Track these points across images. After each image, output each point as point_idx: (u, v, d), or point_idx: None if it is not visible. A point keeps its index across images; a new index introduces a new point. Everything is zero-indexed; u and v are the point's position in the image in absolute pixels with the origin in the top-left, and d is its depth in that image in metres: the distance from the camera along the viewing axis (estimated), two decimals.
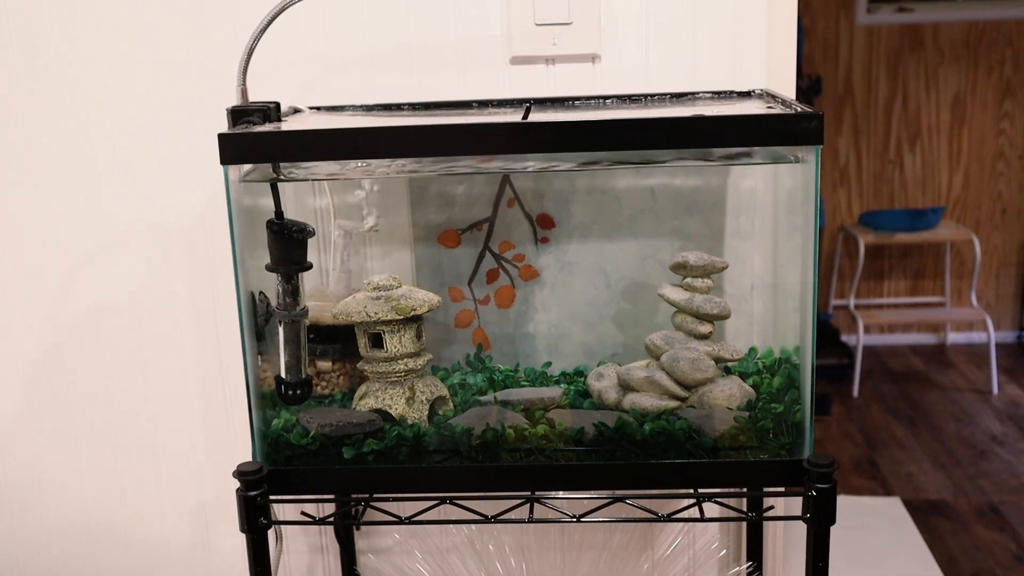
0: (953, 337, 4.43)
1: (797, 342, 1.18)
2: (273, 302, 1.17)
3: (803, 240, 1.11)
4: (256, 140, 1.07)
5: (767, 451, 1.13)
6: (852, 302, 4.18)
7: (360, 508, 1.23)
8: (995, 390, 3.86)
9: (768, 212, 1.27)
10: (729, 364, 1.23)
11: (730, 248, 1.30)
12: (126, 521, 1.54)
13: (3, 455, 1.52)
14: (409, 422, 1.16)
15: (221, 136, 1.06)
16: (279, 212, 1.15)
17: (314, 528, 1.50)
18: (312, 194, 1.29)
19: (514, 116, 1.16)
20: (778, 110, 1.09)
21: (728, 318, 1.20)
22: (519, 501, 1.16)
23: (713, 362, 1.17)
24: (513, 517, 1.15)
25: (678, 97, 1.28)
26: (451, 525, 1.46)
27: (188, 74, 1.35)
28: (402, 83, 1.34)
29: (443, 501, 1.16)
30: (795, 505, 1.13)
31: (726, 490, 1.21)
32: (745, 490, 1.26)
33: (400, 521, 1.17)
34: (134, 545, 1.54)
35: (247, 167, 1.12)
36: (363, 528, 1.50)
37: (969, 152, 4.24)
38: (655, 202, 1.30)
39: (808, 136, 1.02)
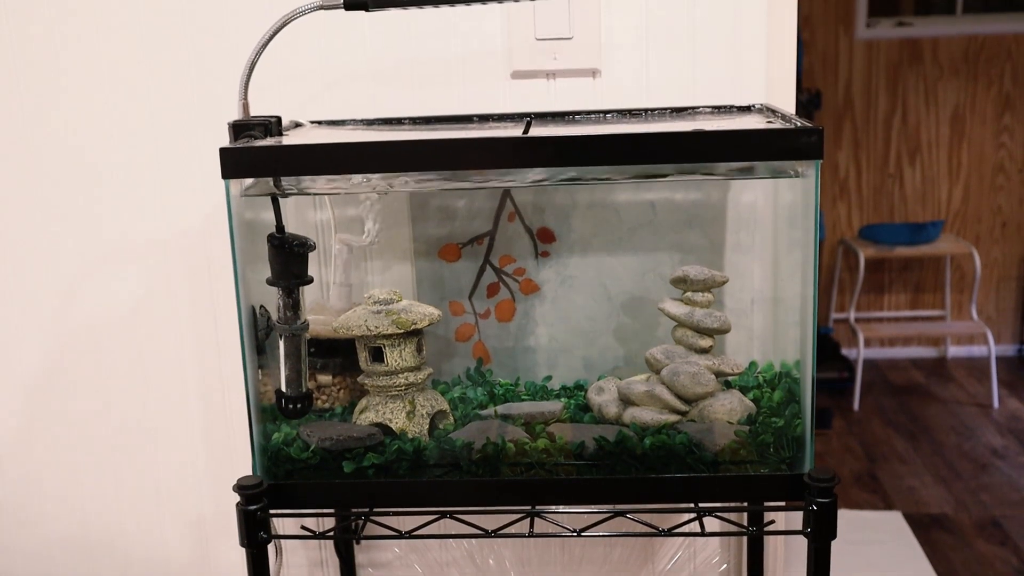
0: (954, 351, 4.43)
1: (797, 356, 1.18)
2: (274, 316, 1.17)
3: (803, 254, 1.11)
4: (257, 154, 1.08)
5: (768, 465, 1.13)
6: (852, 315, 4.18)
7: (360, 522, 1.23)
8: (996, 404, 3.86)
9: (768, 226, 1.27)
10: (729, 378, 1.23)
11: (730, 262, 1.30)
12: (126, 535, 1.53)
13: (3, 469, 1.52)
14: (409, 436, 1.16)
15: (223, 150, 1.06)
16: (280, 226, 1.15)
17: (314, 542, 1.50)
18: (313, 208, 1.30)
19: (515, 130, 1.16)
20: (778, 125, 1.09)
21: (728, 332, 1.20)
22: (519, 515, 1.16)
23: (713, 376, 1.17)
24: (513, 531, 1.15)
25: (678, 112, 1.29)
26: (451, 539, 1.46)
27: (190, 88, 1.36)
28: (403, 97, 1.34)
29: (443, 515, 1.16)
30: (796, 519, 1.13)
31: (727, 504, 1.21)
32: (746, 504, 1.26)
33: (400, 535, 1.16)
34: (134, 559, 1.54)
35: (248, 181, 1.12)
36: (363, 542, 1.49)
37: (969, 166, 4.25)
38: (655, 216, 1.30)
39: (808, 151, 1.02)
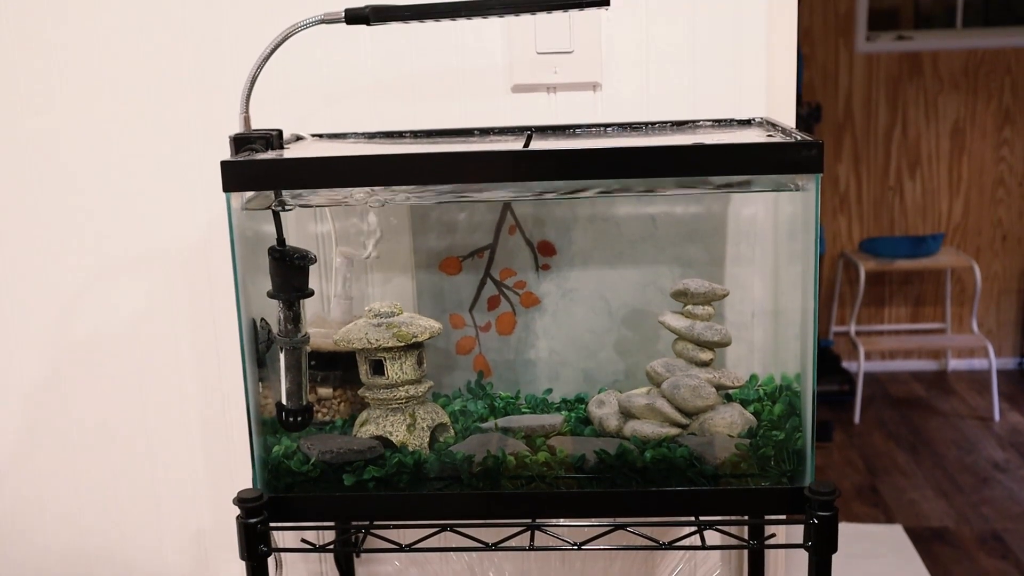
0: (954, 364, 4.43)
1: (798, 369, 1.18)
2: (274, 328, 1.17)
3: (803, 267, 1.11)
4: (259, 167, 1.08)
5: (768, 478, 1.12)
6: (853, 328, 4.18)
7: (360, 535, 1.22)
8: (996, 417, 3.85)
9: (768, 239, 1.28)
10: (730, 391, 1.23)
11: (731, 275, 1.30)
12: (125, 547, 1.53)
13: (3, 481, 1.52)
14: (410, 449, 1.16)
15: (224, 163, 1.06)
16: (281, 239, 1.15)
17: (314, 555, 1.50)
18: (314, 221, 1.30)
19: (515, 144, 1.16)
20: (778, 138, 1.09)
21: (729, 345, 1.20)
22: (520, 528, 1.16)
23: (714, 389, 1.17)
24: (514, 544, 1.15)
25: (679, 125, 1.29)
26: (452, 552, 1.46)
27: (191, 101, 1.36)
28: (404, 111, 1.35)
29: (444, 528, 1.16)
30: (796, 533, 1.13)
31: (727, 518, 1.21)
32: (746, 518, 1.26)
33: (400, 548, 1.16)
34: (133, 572, 1.54)
35: (249, 194, 1.13)
36: (363, 555, 1.49)
37: (969, 179, 4.25)
38: (656, 229, 1.30)
39: (808, 164, 1.02)
